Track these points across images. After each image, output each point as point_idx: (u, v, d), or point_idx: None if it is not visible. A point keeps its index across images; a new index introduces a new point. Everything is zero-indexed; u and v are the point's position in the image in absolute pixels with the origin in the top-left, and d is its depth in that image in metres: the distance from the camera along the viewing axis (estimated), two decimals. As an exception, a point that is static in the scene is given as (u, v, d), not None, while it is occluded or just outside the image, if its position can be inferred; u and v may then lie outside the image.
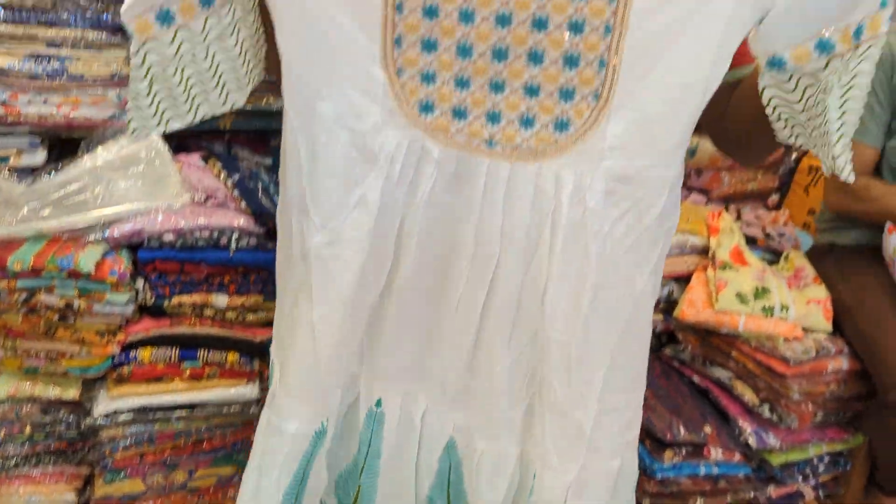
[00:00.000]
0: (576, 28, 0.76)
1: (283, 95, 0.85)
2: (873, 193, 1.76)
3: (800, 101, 0.80)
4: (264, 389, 1.58)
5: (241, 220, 1.47)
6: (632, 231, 0.86)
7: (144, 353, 1.44)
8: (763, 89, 0.81)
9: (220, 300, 1.48)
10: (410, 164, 0.84)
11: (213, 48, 0.83)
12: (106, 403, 1.44)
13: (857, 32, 0.74)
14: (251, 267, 1.49)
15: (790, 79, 0.79)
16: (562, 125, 0.81)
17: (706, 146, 2.14)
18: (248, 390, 1.53)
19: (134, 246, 1.44)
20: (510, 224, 0.86)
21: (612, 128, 0.80)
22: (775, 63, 0.78)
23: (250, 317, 1.51)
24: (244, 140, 1.81)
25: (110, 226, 1.41)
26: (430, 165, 0.84)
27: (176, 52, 0.81)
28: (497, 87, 0.81)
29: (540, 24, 0.76)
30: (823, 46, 0.75)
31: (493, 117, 0.82)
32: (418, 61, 0.80)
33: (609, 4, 0.75)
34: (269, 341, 1.47)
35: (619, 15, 0.75)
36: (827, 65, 0.76)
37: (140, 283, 1.43)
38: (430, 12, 0.77)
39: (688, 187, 2.39)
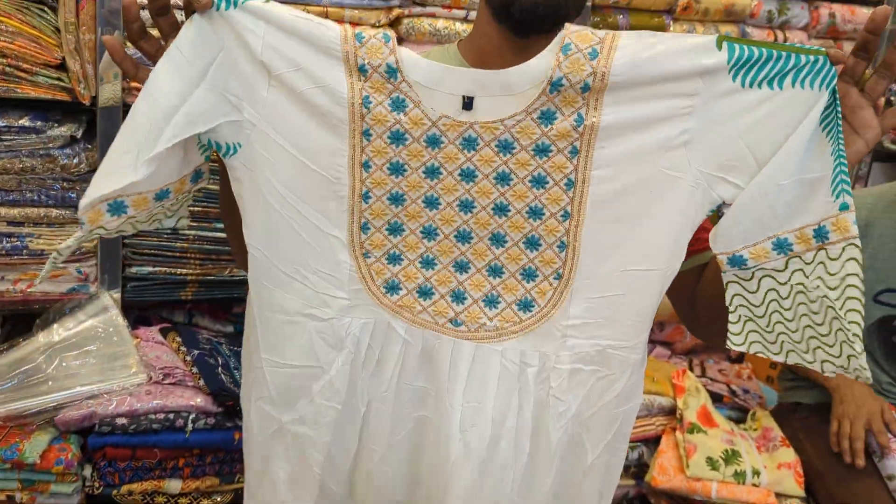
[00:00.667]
0: (535, 213, 0.80)
1: (250, 288, 0.86)
2: None
3: (761, 304, 0.82)
4: (218, 581, 1.48)
5: (199, 400, 1.43)
6: (590, 408, 0.85)
7: (88, 548, 1.35)
8: (727, 285, 0.83)
9: (174, 486, 1.41)
10: (377, 344, 0.84)
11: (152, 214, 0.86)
12: None
13: (819, 234, 0.76)
14: (208, 448, 1.43)
15: (752, 277, 0.81)
16: (525, 305, 0.83)
17: (667, 300, 2.18)
18: (201, 584, 1.43)
19: (84, 430, 1.38)
20: (472, 405, 0.84)
21: (575, 307, 0.81)
22: (736, 261, 0.80)
23: (204, 502, 1.44)
24: (206, 308, 1.80)
25: (61, 410, 1.36)
26: (397, 345, 0.84)
27: (116, 230, 0.82)
28: (462, 267, 0.83)
29: (501, 209, 0.80)
30: (781, 246, 0.78)
31: (458, 297, 0.83)
32: (385, 244, 0.82)
33: (566, 193, 0.78)
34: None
35: (576, 204, 0.79)
36: (787, 264, 0.79)
37: (88, 470, 1.36)
38: (396, 199, 0.80)
39: (651, 341, 2.41)
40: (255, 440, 0.91)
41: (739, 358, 2.46)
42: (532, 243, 0.81)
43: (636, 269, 0.80)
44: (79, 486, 1.34)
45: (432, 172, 0.79)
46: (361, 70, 0.76)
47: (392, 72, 0.76)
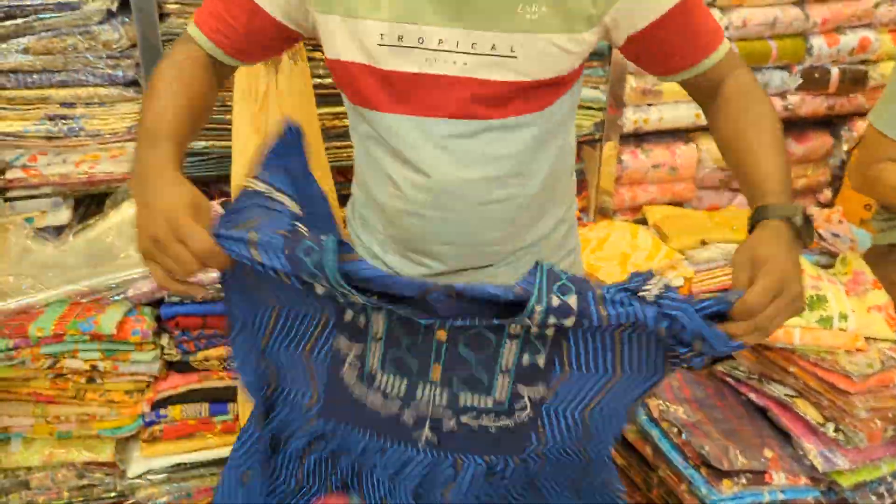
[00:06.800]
0: None
1: None
2: (886, 181, 1.60)
3: None
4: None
5: (263, 268, 1.44)
6: None
7: (174, 411, 1.42)
8: None
9: (247, 351, 1.45)
10: None
11: None
12: (140, 463, 1.42)
13: None
14: (276, 314, 1.46)
15: None
16: None
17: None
18: (282, 440, 1.49)
19: (157, 302, 1.42)
20: None
21: None
22: None
23: (279, 365, 1.48)
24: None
25: (132, 284, 1.40)
26: None
27: None
28: None
29: None
30: None
31: None
32: None
33: None
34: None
35: None
36: None
37: (165, 339, 1.41)
38: None
39: (731, 189, 2.28)
40: None
41: (830, 204, 2.30)
42: None
43: None
44: (157, 355, 1.40)
45: None
46: None
47: None
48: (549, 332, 0.81)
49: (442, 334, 0.83)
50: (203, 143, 1.62)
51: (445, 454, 0.88)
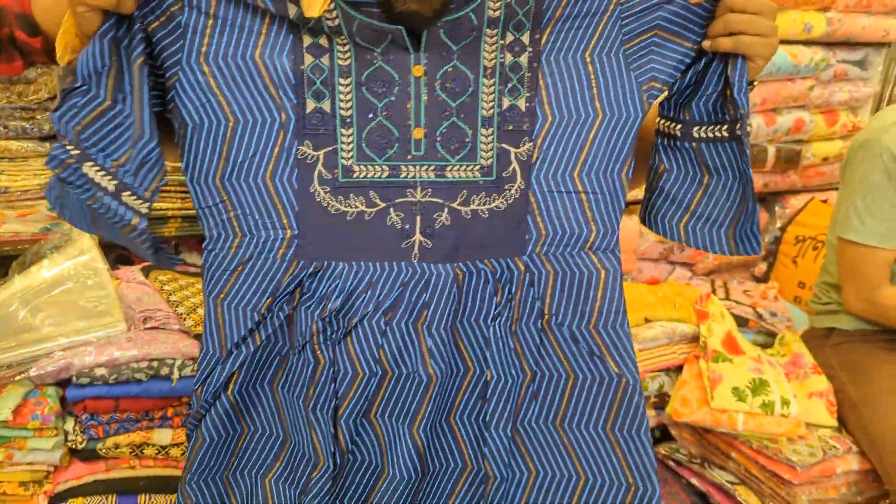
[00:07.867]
0: None
1: None
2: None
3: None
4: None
5: (185, 345, 1.32)
6: None
7: (76, 504, 1.27)
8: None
9: (164, 436, 1.32)
10: None
11: None
12: (32, 565, 1.26)
13: None
14: (198, 395, 1.33)
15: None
16: None
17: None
18: (198, 535, 1.35)
19: (62, 383, 1.28)
20: None
21: None
22: None
23: (198, 451, 1.35)
24: (193, 244, 1.68)
25: (35, 363, 1.25)
26: None
27: None
28: None
29: None
30: None
31: None
32: None
33: None
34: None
35: None
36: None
37: (69, 424, 1.27)
38: None
39: (671, 262, 2.28)
40: None
41: (765, 277, 2.33)
42: None
43: None
44: (60, 441, 1.25)
45: None
46: None
47: None
48: (524, 59, 0.82)
49: (418, 70, 0.80)
50: (164, 206, 1.51)
51: (443, 265, 0.84)
